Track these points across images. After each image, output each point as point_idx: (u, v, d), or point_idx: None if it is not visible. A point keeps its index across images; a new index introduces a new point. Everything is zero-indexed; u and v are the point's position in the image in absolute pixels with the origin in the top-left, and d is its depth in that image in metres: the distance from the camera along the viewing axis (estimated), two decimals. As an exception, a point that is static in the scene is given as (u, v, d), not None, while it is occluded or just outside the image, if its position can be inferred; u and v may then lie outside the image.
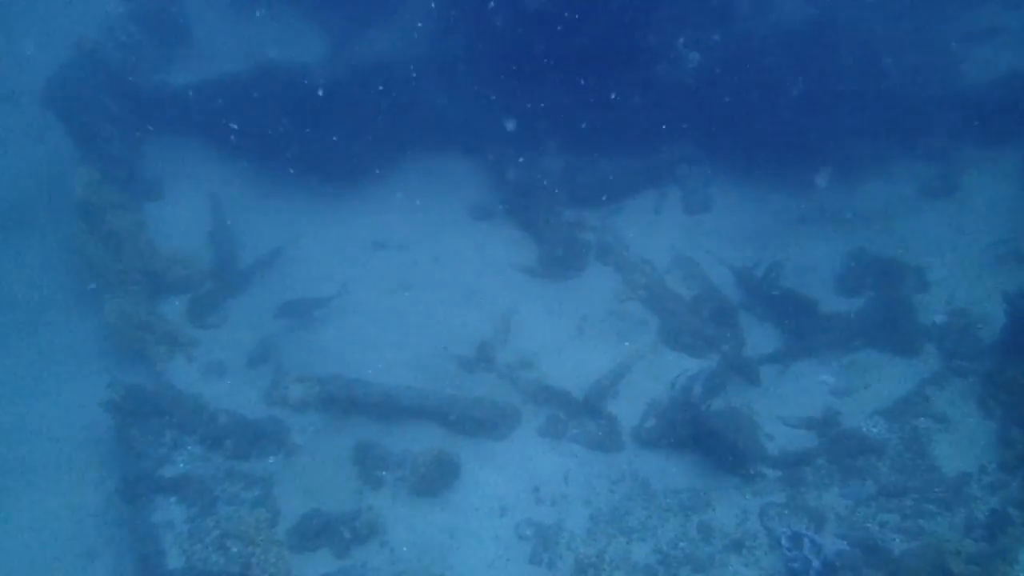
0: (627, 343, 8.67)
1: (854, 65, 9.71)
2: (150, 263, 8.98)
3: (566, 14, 10.68)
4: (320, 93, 10.72)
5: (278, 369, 8.49)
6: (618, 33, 10.79)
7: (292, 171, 11.14)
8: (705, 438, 6.92)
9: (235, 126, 10.32)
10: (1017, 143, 9.59)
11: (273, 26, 13.32)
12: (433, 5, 13.56)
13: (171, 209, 10.25)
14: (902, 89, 9.87)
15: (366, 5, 13.73)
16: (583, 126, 11.25)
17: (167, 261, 9.17)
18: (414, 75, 11.86)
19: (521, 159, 11.20)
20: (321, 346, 8.92)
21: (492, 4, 10.83)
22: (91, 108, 9.75)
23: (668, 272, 9.73)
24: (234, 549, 6.46)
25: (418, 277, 10.01)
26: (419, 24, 13.27)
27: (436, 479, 7.11)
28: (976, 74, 10.48)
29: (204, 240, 10.02)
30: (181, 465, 7.30)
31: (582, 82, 11.12)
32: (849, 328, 8.05)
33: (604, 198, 10.97)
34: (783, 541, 6.13)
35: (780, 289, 8.62)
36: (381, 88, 11.27)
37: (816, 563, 5.78)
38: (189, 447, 7.38)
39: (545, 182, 10.90)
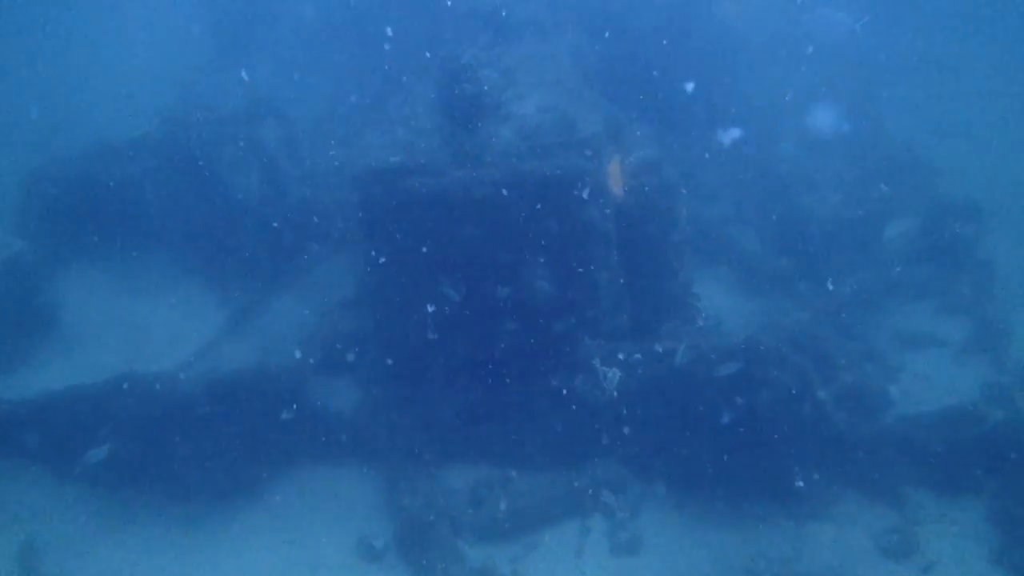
0: None
1: (786, 398, 8.79)
2: None
3: (482, 318, 9.77)
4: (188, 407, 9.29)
5: None
6: (533, 342, 9.86)
7: (146, 497, 9.35)
8: None
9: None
10: (971, 495, 8.55)
11: (163, 300, 12.16)
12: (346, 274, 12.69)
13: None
14: (838, 424, 8.91)
15: (269, 278, 12.79)
16: (494, 440, 9.97)
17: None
18: (308, 369, 10.60)
19: (421, 479, 9.66)
20: None
21: (412, 292, 9.84)
22: None
23: (589, 655, 7.93)
24: None
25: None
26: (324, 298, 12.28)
27: None
28: (915, 397, 9.69)
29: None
30: None
31: (494, 391, 10.01)
32: None
33: (517, 529, 9.37)
34: None
35: None
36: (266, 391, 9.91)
37: None
38: None
39: (447, 513, 9.30)
